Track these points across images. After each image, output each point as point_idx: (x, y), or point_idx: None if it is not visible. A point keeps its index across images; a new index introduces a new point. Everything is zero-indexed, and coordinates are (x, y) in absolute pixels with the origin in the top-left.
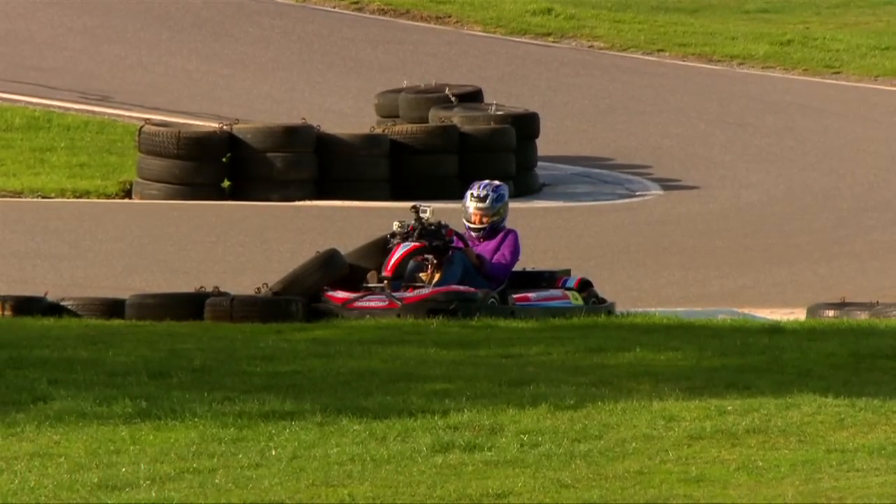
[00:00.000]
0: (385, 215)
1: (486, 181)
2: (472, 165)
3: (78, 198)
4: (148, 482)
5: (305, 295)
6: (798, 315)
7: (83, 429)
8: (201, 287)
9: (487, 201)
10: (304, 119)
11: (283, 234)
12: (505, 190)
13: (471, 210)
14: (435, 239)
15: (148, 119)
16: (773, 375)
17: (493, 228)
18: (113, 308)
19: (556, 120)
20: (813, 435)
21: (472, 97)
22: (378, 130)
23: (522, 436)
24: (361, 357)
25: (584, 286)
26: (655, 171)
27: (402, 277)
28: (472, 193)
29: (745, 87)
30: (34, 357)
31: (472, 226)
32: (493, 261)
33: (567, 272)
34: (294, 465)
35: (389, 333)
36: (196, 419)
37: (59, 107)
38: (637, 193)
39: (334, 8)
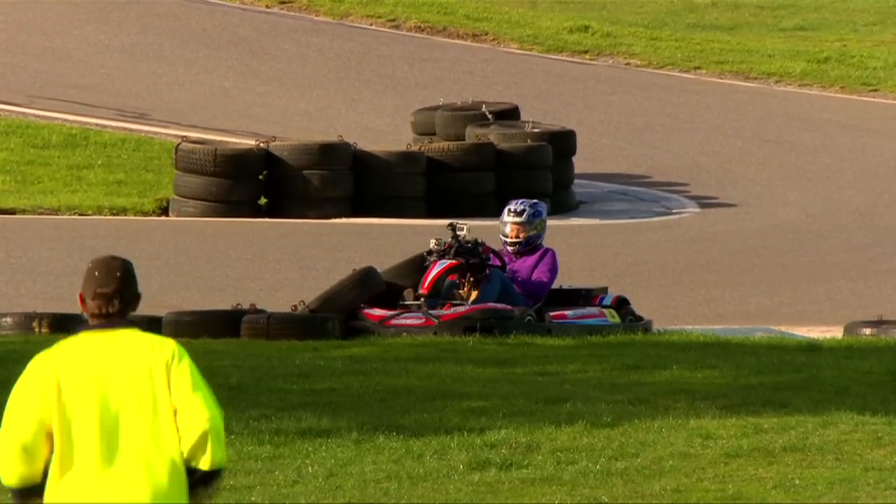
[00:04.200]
0: (422, 233)
1: (524, 199)
2: (508, 183)
3: (115, 215)
4: None
5: (342, 312)
6: (835, 333)
7: None
8: (238, 304)
9: (524, 216)
10: (340, 136)
11: (319, 252)
12: (543, 207)
13: (507, 225)
14: (472, 257)
15: (185, 136)
16: (810, 393)
17: (530, 244)
18: (150, 325)
19: (592, 137)
20: (850, 453)
21: (508, 115)
22: (415, 148)
23: (559, 453)
24: (398, 374)
25: (621, 304)
26: (692, 188)
27: (439, 295)
28: (509, 209)
29: (782, 104)
30: None
31: (508, 240)
32: (533, 278)
33: (604, 290)
34: (331, 482)
35: (426, 351)
36: (232, 437)
37: (97, 124)
38: (674, 211)
39: (371, 26)
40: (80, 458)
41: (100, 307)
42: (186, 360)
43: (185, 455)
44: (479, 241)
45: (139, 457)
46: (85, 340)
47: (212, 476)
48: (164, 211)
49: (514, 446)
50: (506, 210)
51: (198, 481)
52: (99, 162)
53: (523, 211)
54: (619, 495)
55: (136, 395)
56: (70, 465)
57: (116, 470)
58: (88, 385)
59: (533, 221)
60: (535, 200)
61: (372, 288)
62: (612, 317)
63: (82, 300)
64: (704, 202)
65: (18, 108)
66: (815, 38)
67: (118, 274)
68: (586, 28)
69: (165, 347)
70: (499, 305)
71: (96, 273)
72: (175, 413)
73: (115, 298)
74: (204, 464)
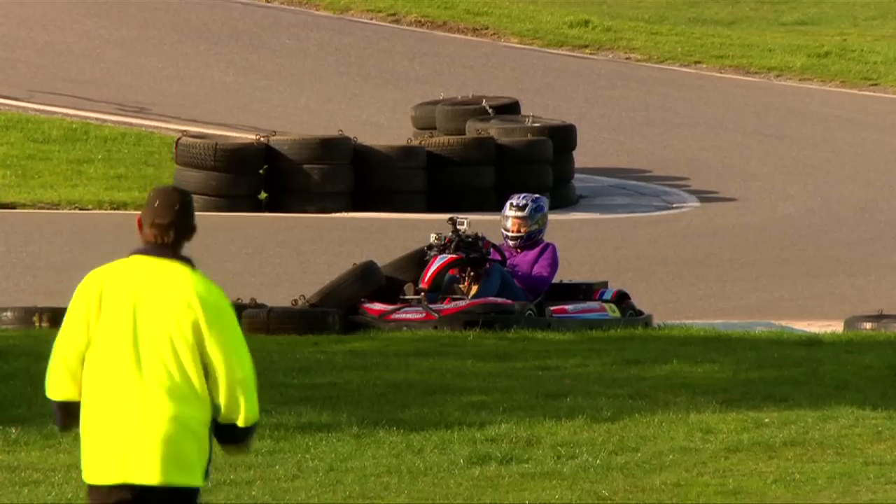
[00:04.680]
0: (422, 227)
1: (526, 193)
2: (509, 177)
3: (115, 209)
4: None
5: (342, 307)
6: (835, 327)
7: None
8: (238, 299)
9: (526, 210)
10: (340, 131)
11: (319, 246)
12: (544, 202)
13: (509, 219)
14: (472, 251)
15: (185, 131)
16: (810, 388)
17: (531, 239)
18: None
19: (593, 132)
20: (850, 447)
21: (509, 109)
22: (415, 142)
23: (559, 448)
24: (398, 369)
25: (622, 298)
26: (692, 183)
27: (440, 289)
28: (511, 203)
29: (782, 99)
30: None
31: (510, 234)
32: (534, 273)
33: (604, 284)
34: (331, 477)
35: (426, 345)
36: None
37: (97, 118)
38: (674, 205)
39: (371, 20)
40: (107, 368)
41: (155, 236)
42: (226, 312)
43: (221, 411)
44: (480, 235)
45: (158, 379)
46: (133, 261)
47: (247, 432)
48: None
49: (515, 441)
50: (508, 204)
51: (234, 436)
52: (99, 156)
53: (525, 205)
54: (619, 489)
55: (162, 323)
56: (98, 376)
57: (139, 386)
58: (126, 298)
59: (535, 216)
60: (536, 195)
61: (372, 282)
62: (613, 311)
63: (140, 225)
64: (705, 196)
65: (18, 103)
66: (816, 32)
67: (176, 207)
68: (586, 23)
69: (207, 292)
70: (499, 300)
71: (156, 203)
72: (193, 350)
73: (171, 230)
74: (240, 420)
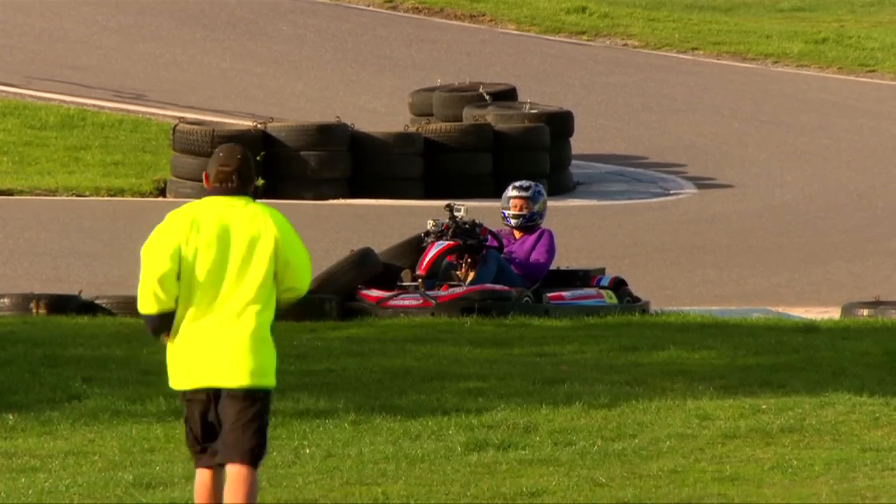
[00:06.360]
0: (419, 214)
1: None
2: (506, 164)
3: (112, 196)
4: (182, 480)
5: (340, 293)
6: (832, 314)
7: (117, 427)
8: None
9: (529, 191)
10: (338, 118)
11: (316, 233)
12: (543, 189)
13: (511, 199)
14: (469, 237)
15: (182, 117)
16: (807, 374)
17: (532, 220)
18: None
19: (590, 118)
20: (847, 434)
21: (506, 96)
22: (412, 129)
23: (556, 434)
24: (395, 355)
25: (619, 285)
26: (690, 169)
27: (437, 276)
28: (513, 185)
29: (779, 85)
30: (69, 355)
31: (511, 212)
32: (531, 259)
33: (601, 271)
34: (328, 463)
35: (423, 332)
36: None
37: (94, 105)
38: (671, 192)
39: (368, 6)
40: (198, 290)
41: (221, 182)
42: (294, 234)
43: (283, 296)
44: (477, 221)
45: (247, 293)
46: (211, 199)
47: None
48: (162, 192)
49: (512, 427)
50: (510, 187)
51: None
52: (96, 143)
53: (529, 187)
54: (616, 476)
55: (249, 244)
56: (190, 297)
57: (229, 299)
58: (216, 223)
59: (537, 198)
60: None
61: (369, 269)
62: (610, 298)
63: (207, 178)
64: (702, 183)
65: (16, 89)
66: (813, 18)
67: (238, 156)
68: (584, 9)
69: (280, 218)
70: (496, 286)
71: (220, 154)
72: (271, 264)
73: (235, 175)
74: (294, 299)
